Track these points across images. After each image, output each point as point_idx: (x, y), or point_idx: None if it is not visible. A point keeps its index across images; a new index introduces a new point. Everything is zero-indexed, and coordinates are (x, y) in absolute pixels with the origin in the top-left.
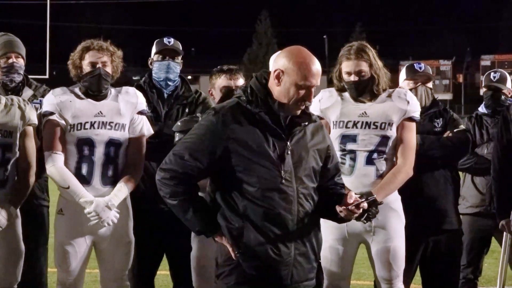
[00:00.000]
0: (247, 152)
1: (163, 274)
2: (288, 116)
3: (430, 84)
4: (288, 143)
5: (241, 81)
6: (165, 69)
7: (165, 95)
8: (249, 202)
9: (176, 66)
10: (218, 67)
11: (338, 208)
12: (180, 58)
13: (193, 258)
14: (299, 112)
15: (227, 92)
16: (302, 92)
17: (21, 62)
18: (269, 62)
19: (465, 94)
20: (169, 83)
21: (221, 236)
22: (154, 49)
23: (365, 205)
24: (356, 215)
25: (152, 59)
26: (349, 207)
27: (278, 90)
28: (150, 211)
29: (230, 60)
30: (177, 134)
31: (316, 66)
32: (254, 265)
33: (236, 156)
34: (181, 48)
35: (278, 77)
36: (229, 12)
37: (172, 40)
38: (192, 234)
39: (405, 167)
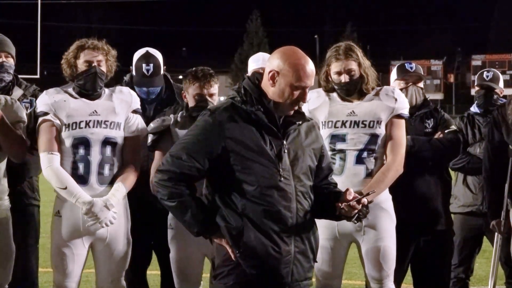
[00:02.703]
0: (245, 151)
1: (154, 274)
2: (282, 116)
3: (421, 84)
4: (284, 141)
5: (215, 88)
6: (145, 93)
7: (145, 102)
8: (248, 201)
9: (156, 88)
10: (193, 70)
11: (338, 205)
12: (161, 72)
13: (173, 260)
14: (292, 112)
15: (200, 100)
16: (297, 93)
17: (11, 62)
18: (248, 62)
19: (456, 94)
20: (151, 96)
21: (220, 237)
22: (134, 61)
23: (365, 200)
24: (356, 211)
25: (133, 67)
26: (350, 203)
27: (273, 91)
28: (139, 209)
29: (221, 59)
30: (150, 136)
31: (311, 67)
32: (254, 264)
33: (233, 155)
34: (161, 68)
35: (272, 78)
36: (220, 11)
37: (151, 67)
38: (169, 236)
39: (395, 164)
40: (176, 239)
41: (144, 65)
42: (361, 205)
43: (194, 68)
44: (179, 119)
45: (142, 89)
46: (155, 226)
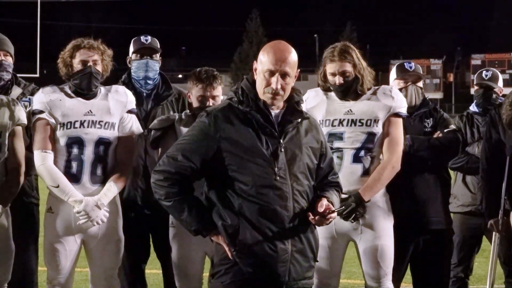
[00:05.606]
0: (240, 151)
1: (154, 273)
2: (280, 114)
3: (420, 84)
4: (281, 140)
5: (219, 90)
6: (144, 68)
7: (144, 95)
8: (244, 200)
9: (155, 64)
10: (197, 71)
11: (310, 216)
12: (158, 55)
13: (174, 259)
14: (276, 102)
15: (203, 101)
16: (268, 78)
17: (9, 60)
18: None
19: (455, 93)
20: (149, 81)
21: (217, 235)
22: (131, 48)
23: (333, 215)
24: (327, 222)
25: (130, 57)
26: (318, 216)
27: (257, 84)
28: (139, 209)
29: (221, 59)
30: (153, 131)
31: (282, 52)
32: (250, 262)
33: (229, 155)
34: (158, 46)
35: (255, 70)
36: (220, 11)
37: (149, 38)
38: (171, 234)
39: (391, 161)
40: (177, 238)
41: (142, 36)
42: (328, 220)
43: (198, 69)
44: (183, 117)
45: (139, 77)
46: (154, 224)
